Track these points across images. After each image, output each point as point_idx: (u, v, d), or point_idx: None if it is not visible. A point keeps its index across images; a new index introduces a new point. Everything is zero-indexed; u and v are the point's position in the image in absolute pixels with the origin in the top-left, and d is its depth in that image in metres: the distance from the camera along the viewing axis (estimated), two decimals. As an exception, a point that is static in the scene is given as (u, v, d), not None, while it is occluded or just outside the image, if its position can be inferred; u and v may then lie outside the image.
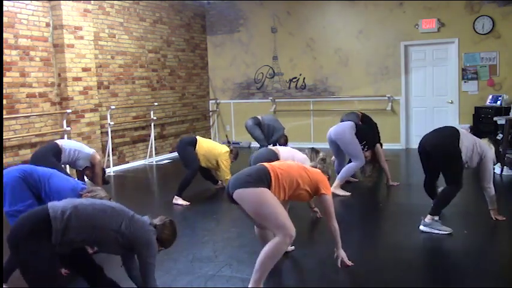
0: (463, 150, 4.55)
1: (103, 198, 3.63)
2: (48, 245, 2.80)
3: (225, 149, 6.32)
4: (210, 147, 6.27)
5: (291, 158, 5.00)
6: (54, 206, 2.92)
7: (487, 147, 4.71)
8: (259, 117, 8.43)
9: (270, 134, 8.25)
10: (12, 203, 3.63)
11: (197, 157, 6.14)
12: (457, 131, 4.67)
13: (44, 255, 2.79)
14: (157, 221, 3.16)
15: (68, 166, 6.24)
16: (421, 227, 4.55)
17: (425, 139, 4.79)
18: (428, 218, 4.54)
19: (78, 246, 3.00)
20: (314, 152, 5.01)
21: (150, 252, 3.01)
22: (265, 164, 3.49)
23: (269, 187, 3.28)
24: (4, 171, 3.87)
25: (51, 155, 5.40)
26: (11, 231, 2.86)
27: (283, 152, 5.16)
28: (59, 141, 5.73)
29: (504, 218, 4.82)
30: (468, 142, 4.61)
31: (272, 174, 3.32)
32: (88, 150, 5.70)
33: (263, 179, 3.29)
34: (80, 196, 3.62)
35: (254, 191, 3.23)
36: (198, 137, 6.35)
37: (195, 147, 6.17)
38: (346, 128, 6.24)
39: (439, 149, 4.62)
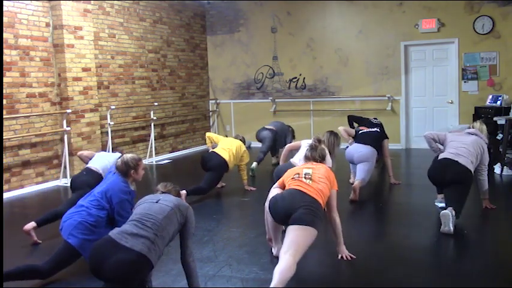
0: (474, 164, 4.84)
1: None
2: None
3: (238, 141, 6.56)
4: (232, 148, 6.35)
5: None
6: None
7: (486, 157, 4.95)
8: (274, 128, 8.23)
9: (283, 139, 8.25)
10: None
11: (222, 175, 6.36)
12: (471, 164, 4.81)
13: None
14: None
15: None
16: (442, 210, 4.55)
17: (442, 171, 4.82)
18: (451, 209, 4.50)
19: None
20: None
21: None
22: (314, 195, 3.51)
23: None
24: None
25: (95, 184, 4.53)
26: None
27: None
28: (92, 166, 5.15)
29: (494, 207, 5.08)
30: (473, 157, 4.83)
31: (321, 203, 3.52)
32: (114, 156, 5.13)
33: (320, 217, 3.43)
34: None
35: (310, 232, 3.32)
36: (215, 150, 6.35)
37: (227, 166, 6.24)
38: (370, 156, 6.15)
39: (462, 175, 4.73)
